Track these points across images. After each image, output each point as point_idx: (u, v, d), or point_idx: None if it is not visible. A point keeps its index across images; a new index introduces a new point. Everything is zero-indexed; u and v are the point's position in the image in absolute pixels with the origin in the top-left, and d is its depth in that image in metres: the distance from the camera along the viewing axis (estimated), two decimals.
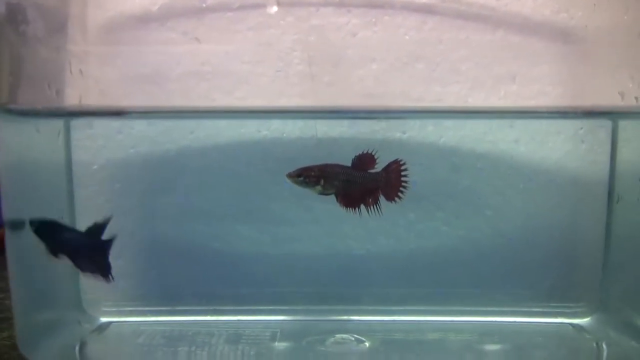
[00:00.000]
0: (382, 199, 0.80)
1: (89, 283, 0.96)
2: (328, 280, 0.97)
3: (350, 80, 0.91)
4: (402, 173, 0.80)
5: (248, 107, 0.94)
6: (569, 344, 0.94)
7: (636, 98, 0.88)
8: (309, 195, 0.79)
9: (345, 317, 0.97)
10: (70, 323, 0.95)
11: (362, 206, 0.80)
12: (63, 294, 0.95)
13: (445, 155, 0.95)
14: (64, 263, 0.79)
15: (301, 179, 0.79)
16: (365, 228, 0.97)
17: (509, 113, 0.96)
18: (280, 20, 0.89)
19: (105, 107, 0.91)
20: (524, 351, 0.90)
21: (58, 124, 0.92)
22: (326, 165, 0.79)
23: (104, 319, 0.97)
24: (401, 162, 0.80)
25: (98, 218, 0.80)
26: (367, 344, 0.90)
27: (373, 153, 0.79)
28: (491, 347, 0.90)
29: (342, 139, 0.93)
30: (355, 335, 0.91)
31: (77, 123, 0.93)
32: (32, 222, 0.80)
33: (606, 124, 0.94)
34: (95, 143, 0.94)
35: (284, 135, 0.94)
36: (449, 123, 0.95)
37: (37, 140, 0.89)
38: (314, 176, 0.79)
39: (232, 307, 0.98)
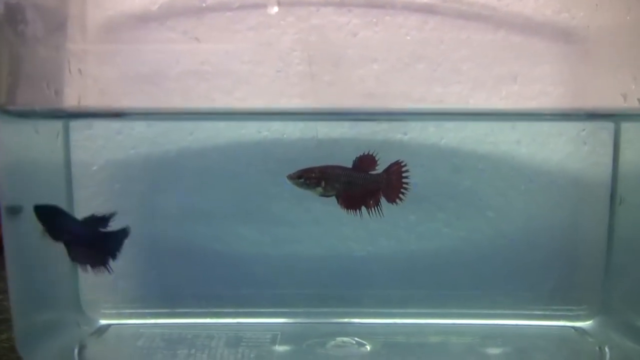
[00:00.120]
0: (383, 200, 0.80)
1: (88, 284, 0.95)
2: (329, 282, 0.97)
3: (351, 80, 0.90)
4: (403, 174, 0.80)
5: (248, 109, 0.94)
6: (571, 346, 0.94)
7: (639, 99, 0.88)
8: (310, 197, 0.79)
9: (346, 320, 0.97)
10: (69, 325, 0.94)
11: (363, 208, 0.79)
12: (62, 295, 0.95)
13: (446, 157, 0.94)
14: (61, 248, 0.79)
15: (302, 180, 0.78)
16: (366, 229, 0.96)
17: (511, 115, 0.96)
18: (280, 20, 0.88)
19: (105, 108, 0.91)
20: (525, 354, 0.90)
21: (57, 125, 0.91)
22: (327, 167, 0.79)
23: (103, 321, 0.97)
24: (402, 164, 0.80)
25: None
26: (368, 347, 0.89)
27: (374, 154, 0.79)
28: (493, 350, 0.89)
29: (343, 140, 0.92)
30: (357, 338, 0.91)
31: (76, 124, 0.93)
32: (36, 207, 0.79)
33: (608, 125, 0.94)
34: (94, 144, 0.94)
35: (285, 136, 0.94)
36: (450, 124, 0.94)
37: (36, 141, 0.89)
38: (315, 177, 0.78)
39: (232, 309, 0.97)
